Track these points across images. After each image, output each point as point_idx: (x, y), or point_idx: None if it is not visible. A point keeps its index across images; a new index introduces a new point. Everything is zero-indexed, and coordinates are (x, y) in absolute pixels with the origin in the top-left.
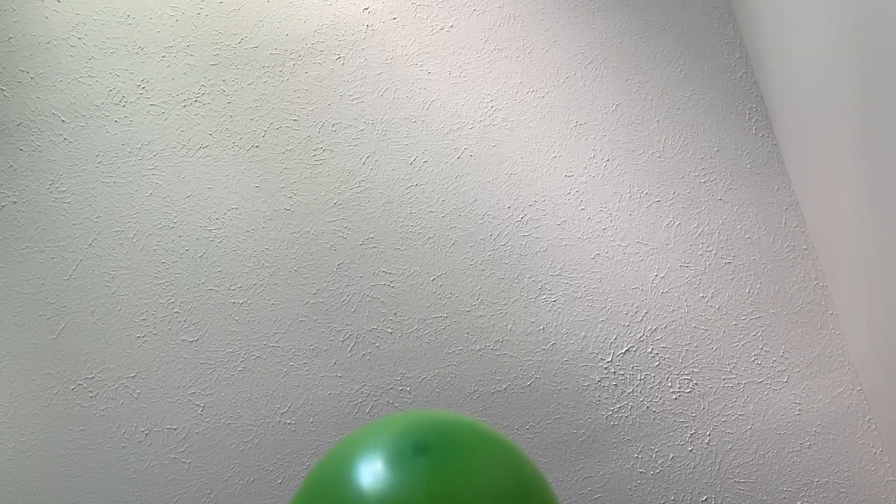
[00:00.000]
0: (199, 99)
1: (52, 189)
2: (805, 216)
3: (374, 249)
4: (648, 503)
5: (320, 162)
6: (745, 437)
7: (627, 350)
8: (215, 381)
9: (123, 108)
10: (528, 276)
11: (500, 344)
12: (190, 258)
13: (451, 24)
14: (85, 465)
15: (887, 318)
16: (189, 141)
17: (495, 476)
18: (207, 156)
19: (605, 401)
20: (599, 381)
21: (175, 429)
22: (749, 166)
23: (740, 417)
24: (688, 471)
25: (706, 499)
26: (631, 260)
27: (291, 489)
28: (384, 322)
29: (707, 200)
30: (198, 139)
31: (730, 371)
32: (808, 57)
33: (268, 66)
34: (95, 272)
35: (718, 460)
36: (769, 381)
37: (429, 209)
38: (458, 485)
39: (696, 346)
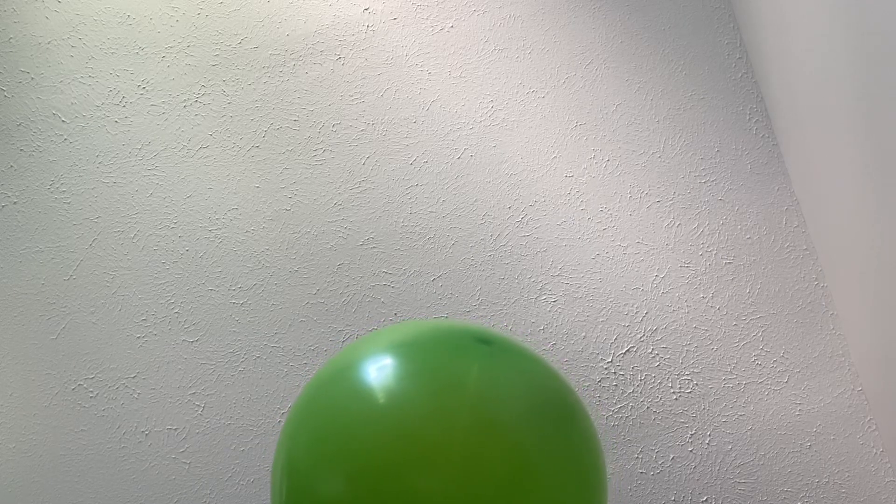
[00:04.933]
0: (199, 99)
1: (52, 189)
2: (805, 216)
3: (375, 250)
4: None
5: (320, 162)
6: (745, 437)
7: (628, 350)
8: (216, 382)
9: (124, 109)
10: (528, 276)
11: None
12: (190, 258)
13: (451, 25)
14: (85, 465)
15: (887, 318)
16: (189, 141)
17: (545, 372)
18: (208, 156)
19: (606, 401)
20: (600, 381)
21: (175, 429)
22: (749, 167)
23: (741, 418)
24: (688, 471)
25: (706, 499)
26: (631, 260)
27: None
28: (384, 322)
29: (707, 201)
30: (198, 139)
31: (730, 371)
32: (808, 57)
33: (268, 67)
34: (96, 272)
35: (719, 461)
36: (769, 382)
37: (429, 209)
38: (520, 371)
39: (697, 347)
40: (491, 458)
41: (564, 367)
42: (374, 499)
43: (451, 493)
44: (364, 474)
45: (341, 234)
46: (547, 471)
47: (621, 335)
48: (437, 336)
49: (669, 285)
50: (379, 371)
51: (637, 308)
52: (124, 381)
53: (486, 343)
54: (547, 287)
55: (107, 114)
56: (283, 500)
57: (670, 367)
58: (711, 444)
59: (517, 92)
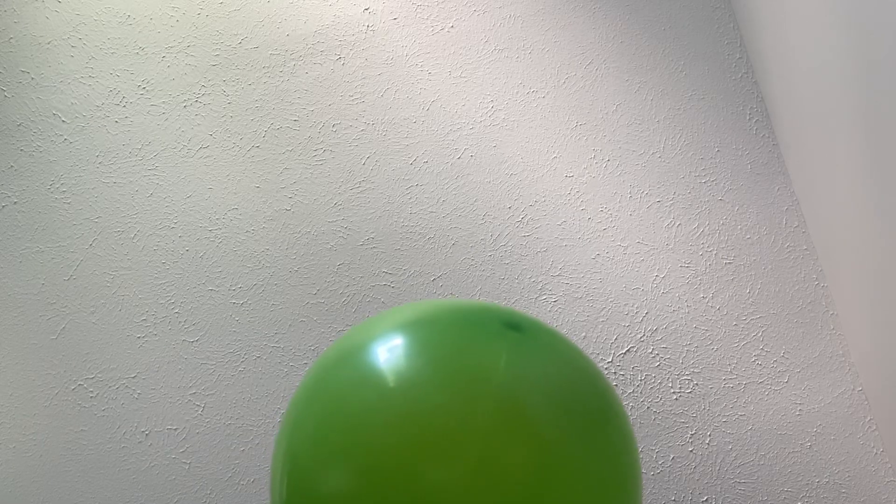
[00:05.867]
0: (199, 99)
1: (52, 189)
2: (805, 216)
3: (375, 250)
4: None
5: (320, 162)
6: (745, 437)
7: (628, 350)
8: (216, 382)
9: (124, 109)
10: (528, 276)
11: None
12: (190, 258)
13: (451, 25)
14: (85, 465)
15: (887, 318)
16: (189, 141)
17: (581, 364)
18: (208, 156)
19: None
20: None
21: (175, 429)
22: (749, 166)
23: (741, 418)
24: (688, 471)
25: (707, 499)
26: (631, 260)
27: None
28: None
29: (707, 201)
30: (198, 139)
31: (730, 371)
32: (808, 57)
33: (268, 67)
34: (96, 272)
35: (719, 461)
36: (770, 382)
37: (429, 209)
38: (550, 360)
39: (697, 347)
40: (513, 453)
41: None
42: (382, 494)
43: (467, 488)
44: (372, 467)
45: (341, 234)
46: (574, 471)
47: (621, 335)
48: (460, 318)
49: (669, 285)
50: (391, 354)
51: (637, 308)
52: (124, 381)
53: (516, 329)
54: (547, 287)
55: (107, 114)
56: (284, 499)
57: (670, 367)
58: (711, 444)
59: (517, 92)
